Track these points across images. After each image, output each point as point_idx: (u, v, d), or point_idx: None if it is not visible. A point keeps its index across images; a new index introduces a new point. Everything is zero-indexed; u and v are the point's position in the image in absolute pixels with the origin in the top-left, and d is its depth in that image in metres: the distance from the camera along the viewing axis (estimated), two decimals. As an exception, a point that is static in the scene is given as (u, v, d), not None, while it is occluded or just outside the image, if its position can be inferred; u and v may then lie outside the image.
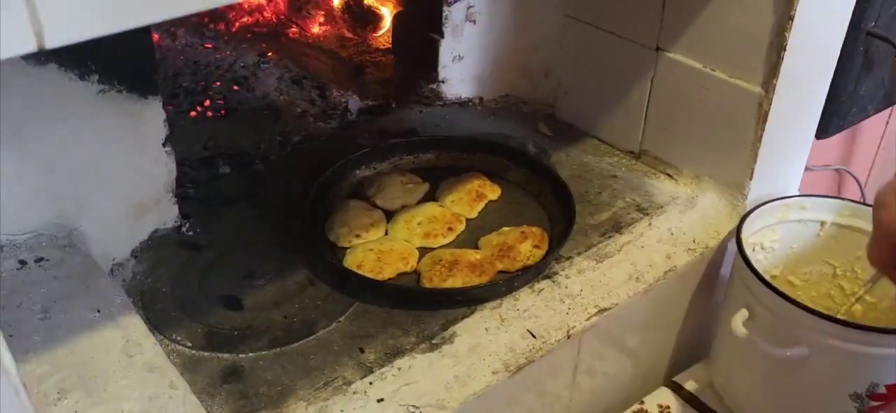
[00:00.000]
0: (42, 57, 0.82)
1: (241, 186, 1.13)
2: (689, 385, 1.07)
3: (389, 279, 0.93)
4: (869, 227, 1.06)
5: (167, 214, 1.01)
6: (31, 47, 0.40)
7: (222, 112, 1.34)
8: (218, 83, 1.42)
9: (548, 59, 1.29)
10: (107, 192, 0.92)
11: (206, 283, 0.94)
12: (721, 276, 1.11)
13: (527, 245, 0.96)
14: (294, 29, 1.61)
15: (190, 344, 0.85)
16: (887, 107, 1.43)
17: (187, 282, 0.94)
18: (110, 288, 0.81)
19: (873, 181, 1.61)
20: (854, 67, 1.22)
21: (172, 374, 0.72)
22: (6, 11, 0.38)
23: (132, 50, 0.89)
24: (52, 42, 0.41)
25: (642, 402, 1.04)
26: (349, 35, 1.60)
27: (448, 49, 1.26)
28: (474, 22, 1.25)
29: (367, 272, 0.93)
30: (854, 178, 1.50)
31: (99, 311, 0.78)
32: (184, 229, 1.02)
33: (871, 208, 1.00)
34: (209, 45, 1.55)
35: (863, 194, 1.52)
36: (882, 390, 0.89)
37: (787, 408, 0.96)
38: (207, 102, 1.36)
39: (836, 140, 1.29)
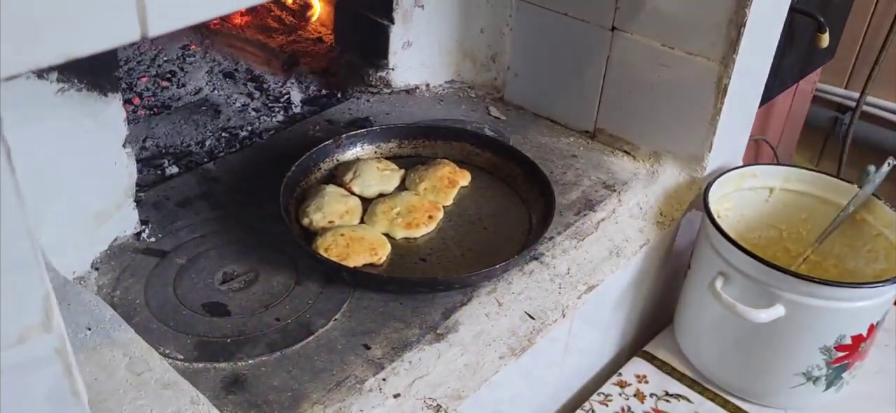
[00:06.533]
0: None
1: (194, 186, 1.06)
2: (661, 353, 1.10)
3: (356, 267, 0.90)
4: (814, 191, 1.13)
5: (127, 221, 0.94)
6: (136, 36, 0.36)
7: (155, 110, 1.25)
8: (144, 79, 1.33)
9: (495, 43, 1.29)
10: (66, 200, 0.85)
11: (183, 291, 0.88)
12: (676, 246, 1.15)
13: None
14: (215, 20, 1.53)
15: (181, 356, 0.79)
16: (800, 79, 1.53)
17: (161, 291, 0.88)
18: (95, 303, 0.74)
19: (784, 148, 1.72)
20: (780, 43, 1.29)
21: (189, 389, 0.67)
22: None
23: (93, 44, 0.82)
24: (155, 30, 0.37)
25: (620, 374, 1.07)
26: (275, 24, 1.54)
27: (398, 35, 1.23)
28: (423, 7, 1.23)
29: (332, 257, 0.90)
30: (770, 146, 1.60)
31: (90, 329, 0.71)
32: (144, 235, 0.96)
33: (815, 174, 1.08)
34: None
35: (776, 158, 1.63)
36: (848, 341, 0.96)
37: (760, 367, 1.01)
38: (137, 100, 1.27)
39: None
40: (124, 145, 0.90)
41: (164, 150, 1.15)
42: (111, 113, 0.86)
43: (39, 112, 0.79)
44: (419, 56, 1.29)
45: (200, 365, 0.79)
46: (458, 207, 1.03)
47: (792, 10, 1.29)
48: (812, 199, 1.12)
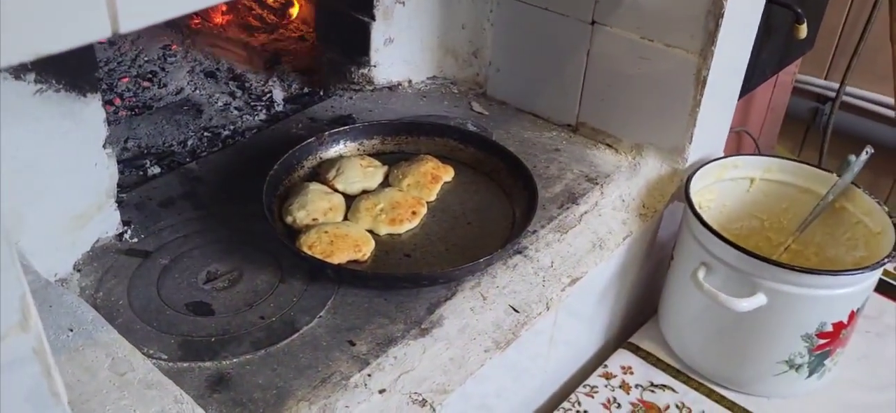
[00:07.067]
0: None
1: (176, 186, 1.06)
2: (645, 344, 1.11)
3: (340, 264, 0.91)
4: (794, 180, 1.14)
5: (109, 222, 0.94)
6: (107, 32, 0.36)
7: (137, 110, 1.25)
8: (125, 79, 1.32)
9: (476, 39, 1.29)
10: (47, 202, 0.84)
11: (166, 291, 0.88)
12: (659, 237, 1.16)
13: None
14: (196, 19, 1.52)
15: (165, 356, 0.79)
16: (779, 70, 1.54)
17: (144, 291, 0.88)
18: (77, 304, 0.74)
19: (765, 139, 1.74)
20: (758, 34, 1.30)
21: (173, 388, 0.67)
22: (85, -6, 0.34)
23: (71, 44, 0.81)
24: (126, 26, 0.37)
25: (606, 366, 1.07)
26: (256, 23, 1.53)
27: (379, 32, 1.23)
28: (404, 3, 1.23)
29: (316, 254, 0.90)
30: (751, 137, 1.61)
31: (72, 331, 0.71)
32: (127, 236, 0.95)
33: (795, 163, 1.09)
34: (104, 40, 1.44)
35: (758, 149, 1.64)
36: (829, 328, 0.97)
37: (743, 355, 1.02)
38: (118, 100, 1.26)
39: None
40: (105, 146, 0.89)
41: (145, 151, 1.14)
42: (90, 113, 0.86)
43: (17, 113, 0.79)
44: (401, 53, 1.29)
45: (185, 364, 0.79)
46: (441, 203, 1.03)
47: (769, 1, 1.30)
48: (792, 188, 1.13)
